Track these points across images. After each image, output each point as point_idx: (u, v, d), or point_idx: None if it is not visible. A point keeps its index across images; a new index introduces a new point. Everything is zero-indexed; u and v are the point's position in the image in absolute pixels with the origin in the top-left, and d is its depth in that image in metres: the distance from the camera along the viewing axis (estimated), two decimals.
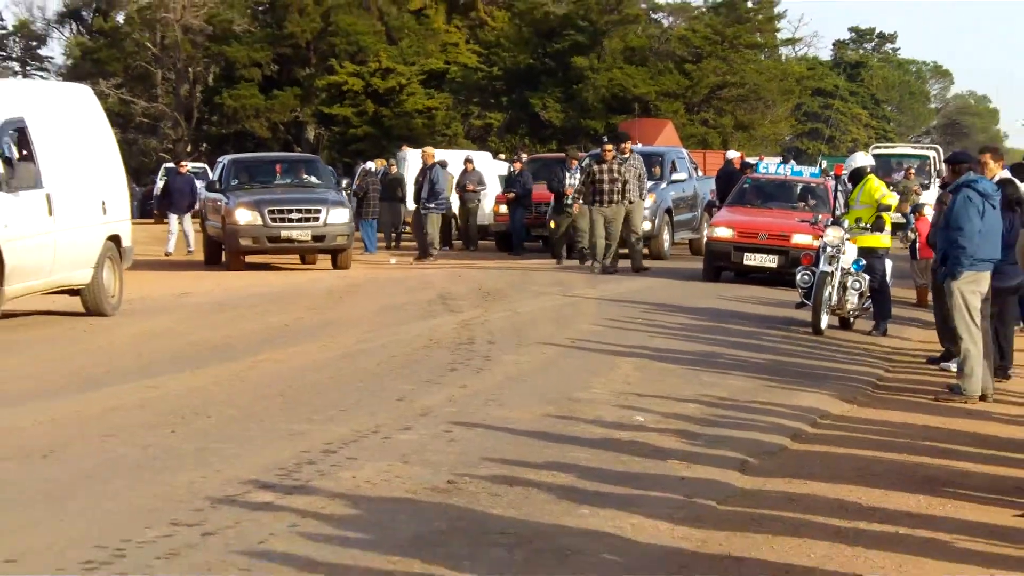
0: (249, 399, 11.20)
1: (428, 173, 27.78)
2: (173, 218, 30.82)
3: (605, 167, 23.93)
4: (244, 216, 24.32)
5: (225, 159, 29.04)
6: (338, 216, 24.80)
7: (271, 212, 24.35)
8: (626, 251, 24.67)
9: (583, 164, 25.55)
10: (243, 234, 24.39)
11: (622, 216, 23.96)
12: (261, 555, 6.63)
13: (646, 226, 25.77)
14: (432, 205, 27.48)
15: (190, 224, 31.08)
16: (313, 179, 27.03)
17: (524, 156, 36.17)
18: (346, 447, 9.17)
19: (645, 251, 24.88)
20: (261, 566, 6.46)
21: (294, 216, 24.49)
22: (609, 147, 24.75)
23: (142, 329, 16.27)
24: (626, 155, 24.83)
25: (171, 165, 41.73)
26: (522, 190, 29.81)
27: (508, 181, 30.97)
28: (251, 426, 9.96)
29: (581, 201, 24.36)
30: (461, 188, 31.93)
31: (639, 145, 30.29)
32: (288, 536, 6.99)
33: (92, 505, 7.57)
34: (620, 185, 23.82)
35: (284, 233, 24.38)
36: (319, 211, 24.59)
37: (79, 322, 16.71)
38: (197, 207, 31.00)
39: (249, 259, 25.12)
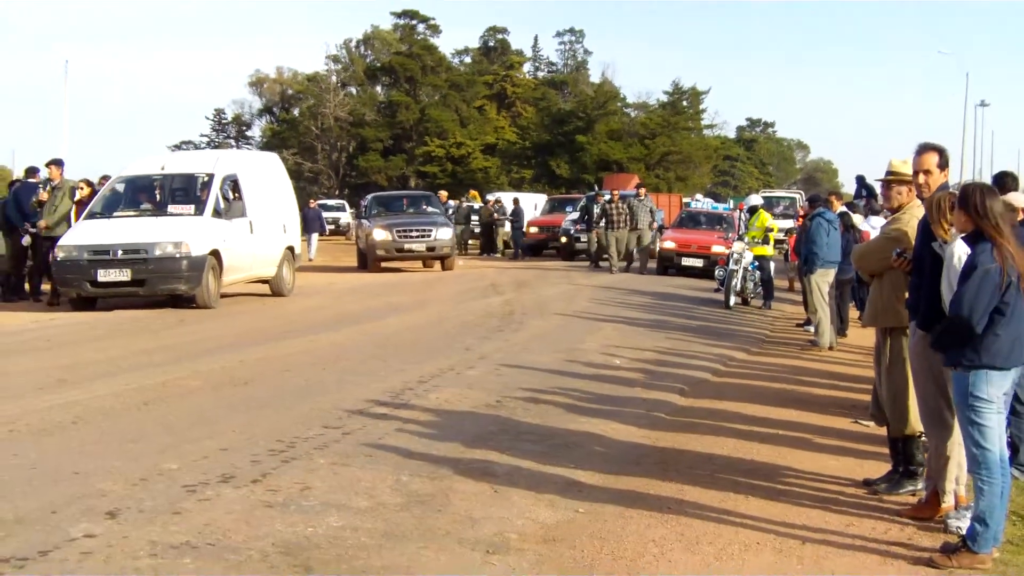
0: (372, 348, 11.15)
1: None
2: (309, 235, 29.45)
3: (614, 205, 23.63)
4: (380, 235, 23.41)
5: (369, 196, 27.85)
6: (444, 233, 23.66)
7: (398, 231, 23.38)
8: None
9: (603, 202, 24.56)
10: (379, 247, 23.39)
11: (626, 235, 23.63)
12: (379, 447, 6.57)
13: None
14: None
15: (315, 241, 29.75)
16: (428, 208, 25.62)
17: (545, 196, 36.23)
18: (432, 379, 9.09)
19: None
20: (379, 453, 6.40)
21: (414, 234, 23.40)
22: (616, 192, 24.42)
23: (306, 304, 16.26)
24: (642, 197, 24.42)
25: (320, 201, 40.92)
26: (517, 219, 29.87)
27: (513, 213, 30.39)
28: (373, 365, 9.89)
29: (603, 227, 23.88)
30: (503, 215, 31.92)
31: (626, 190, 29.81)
32: (396, 435, 6.93)
33: (274, 415, 7.54)
34: (625, 216, 23.49)
35: (407, 246, 23.33)
36: (431, 230, 23.49)
37: (267, 300, 16.74)
38: (326, 228, 31.02)
39: (384, 264, 24.18)
